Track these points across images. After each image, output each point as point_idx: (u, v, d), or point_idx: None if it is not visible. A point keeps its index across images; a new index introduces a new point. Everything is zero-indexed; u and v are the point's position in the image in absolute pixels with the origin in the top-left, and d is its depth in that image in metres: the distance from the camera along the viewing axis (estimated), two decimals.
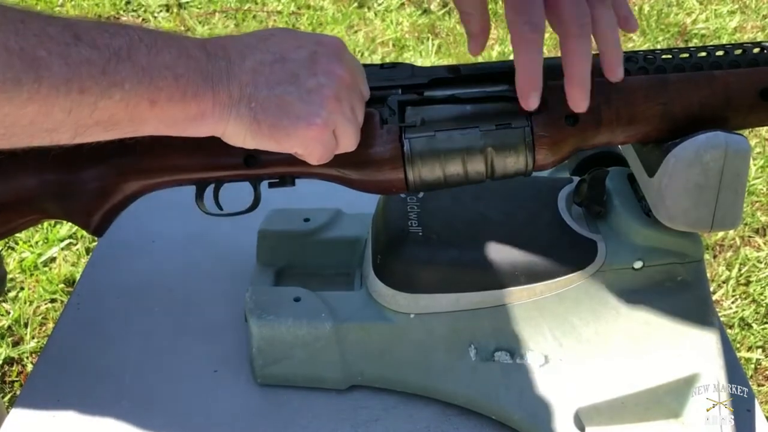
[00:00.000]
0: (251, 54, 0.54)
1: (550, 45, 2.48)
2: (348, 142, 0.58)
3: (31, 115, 0.44)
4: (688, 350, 0.67)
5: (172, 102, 0.50)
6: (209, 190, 0.67)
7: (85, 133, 0.48)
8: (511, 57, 0.59)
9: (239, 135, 0.54)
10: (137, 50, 0.48)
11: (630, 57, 0.62)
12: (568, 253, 0.68)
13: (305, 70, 0.55)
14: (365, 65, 0.63)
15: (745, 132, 0.64)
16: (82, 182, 0.61)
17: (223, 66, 0.52)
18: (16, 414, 0.71)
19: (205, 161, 0.63)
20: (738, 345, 1.68)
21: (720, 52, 0.63)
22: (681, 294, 0.68)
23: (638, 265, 0.67)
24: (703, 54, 0.63)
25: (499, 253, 0.68)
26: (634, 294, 0.68)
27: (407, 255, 0.69)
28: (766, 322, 1.74)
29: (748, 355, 1.66)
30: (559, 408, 0.67)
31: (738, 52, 0.63)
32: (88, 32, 0.46)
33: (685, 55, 0.63)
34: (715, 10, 2.74)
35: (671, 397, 0.67)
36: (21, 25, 0.43)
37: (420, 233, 0.69)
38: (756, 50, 0.62)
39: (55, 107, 0.45)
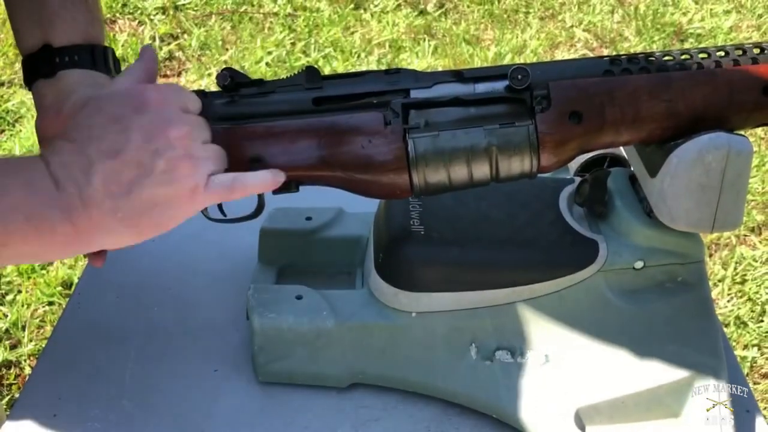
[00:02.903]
0: (92, 165, 0.51)
1: (546, 46, 2.49)
2: (222, 165, 0.56)
3: None
4: (688, 350, 0.68)
5: (26, 242, 0.49)
6: None
7: None
8: (509, 59, 0.59)
9: (126, 242, 0.53)
10: None
11: (631, 58, 0.62)
12: (569, 253, 0.68)
13: (145, 153, 0.51)
14: (369, 71, 0.63)
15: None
16: None
17: (73, 194, 0.50)
18: (17, 413, 0.71)
19: None
20: (734, 343, 1.68)
21: (720, 53, 0.63)
22: (681, 294, 0.68)
23: (639, 265, 0.67)
24: (704, 55, 0.63)
25: (501, 252, 0.68)
26: (635, 294, 0.68)
27: (409, 254, 0.69)
28: (761, 321, 1.74)
29: (743, 353, 1.67)
30: (559, 407, 0.67)
31: (738, 52, 0.63)
32: None
33: (686, 56, 0.63)
34: (711, 9, 2.75)
35: (671, 397, 0.67)
36: None
37: (422, 232, 0.69)
38: (756, 51, 0.63)
39: None
